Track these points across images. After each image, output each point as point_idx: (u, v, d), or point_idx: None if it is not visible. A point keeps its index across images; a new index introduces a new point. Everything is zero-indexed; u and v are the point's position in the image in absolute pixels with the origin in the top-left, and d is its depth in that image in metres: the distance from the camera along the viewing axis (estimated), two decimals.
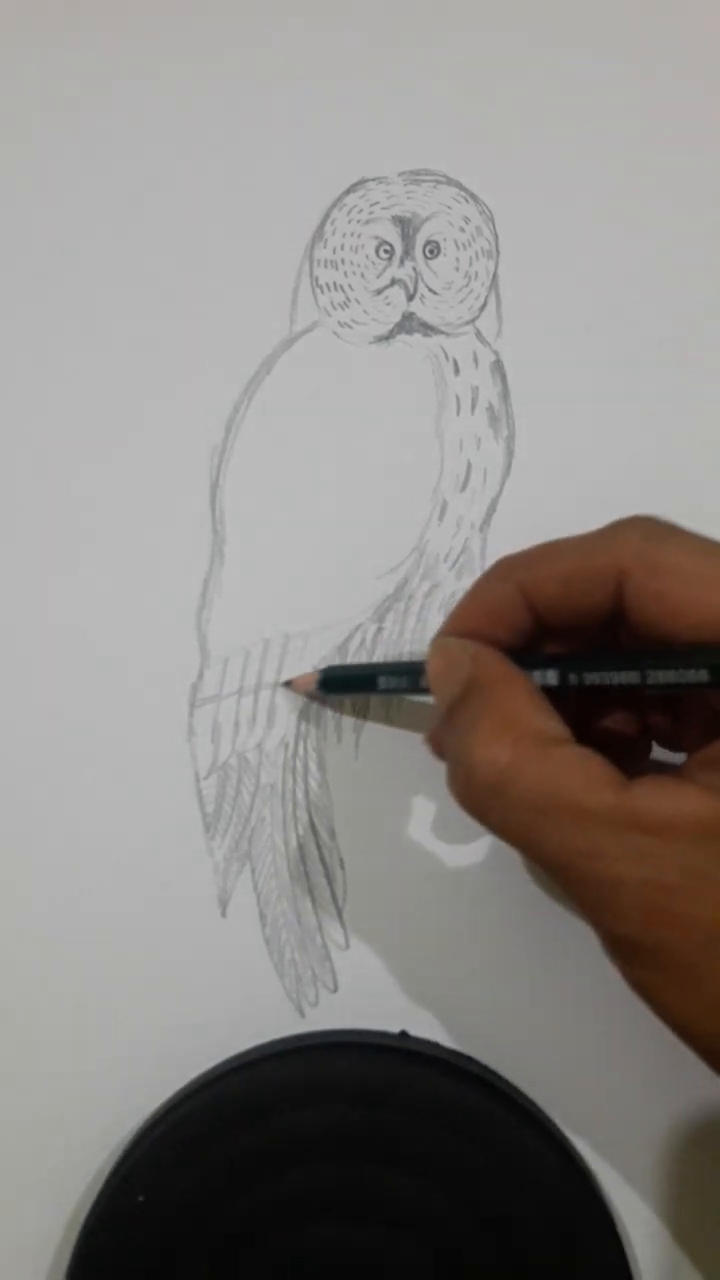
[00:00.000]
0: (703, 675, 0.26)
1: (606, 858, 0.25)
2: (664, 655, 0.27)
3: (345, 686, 0.35)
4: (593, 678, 0.28)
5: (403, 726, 0.36)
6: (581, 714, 0.32)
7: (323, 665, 0.36)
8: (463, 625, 0.30)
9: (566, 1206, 0.33)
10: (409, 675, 0.32)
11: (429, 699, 0.31)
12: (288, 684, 0.35)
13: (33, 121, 0.37)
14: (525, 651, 0.30)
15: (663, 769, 0.32)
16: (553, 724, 0.27)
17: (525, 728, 0.27)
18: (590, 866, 0.25)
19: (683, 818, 0.24)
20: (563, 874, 0.26)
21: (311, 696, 0.36)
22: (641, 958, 0.25)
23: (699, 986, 0.24)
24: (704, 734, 0.28)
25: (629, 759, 0.31)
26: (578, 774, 0.26)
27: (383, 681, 0.33)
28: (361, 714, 0.36)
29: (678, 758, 0.32)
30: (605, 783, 0.25)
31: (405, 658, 0.36)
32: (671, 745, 0.32)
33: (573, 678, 0.29)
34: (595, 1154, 0.34)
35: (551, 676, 0.29)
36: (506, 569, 0.30)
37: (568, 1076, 0.34)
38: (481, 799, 0.27)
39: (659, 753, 0.33)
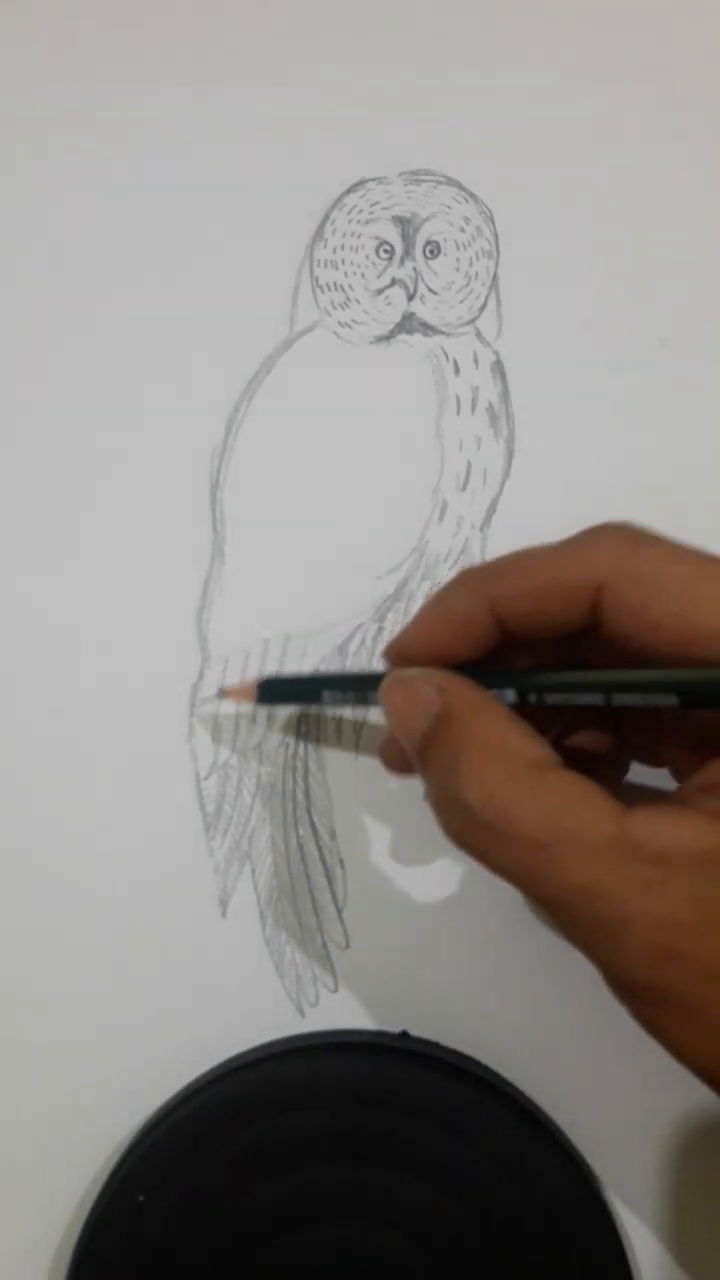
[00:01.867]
0: (671, 699, 0.25)
1: (611, 894, 0.23)
2: (631, 677, 0.26)
3: (285, 697, 0.33)
4: (555, 698, 0.27)
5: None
6: (550, 729, 0.30)
7: (322, 665, 0.36)
8: (423, 639, 0.29)
9: (566, 1206, 0.33)
10: (357, 690, 0.31)
11: (376, 711, 0.29)
12: (223, 693, 0.34)
13: (32, 122, 0.37)
14: (484, 670, 0.28)
15: (638, 789, 0.32)
16: (539, 748, 0.26)
17: (513, 757, 0.25)
18: (593, 905, 0.24)
19: (688, 847, 0.23)
20: (565, 913, 0.24)
21: (248, 703, 0.34)
22: (651, 997, 0.24)
23: (712, 1024, 0.23)
24: (688, 752, 0.27)
25: (607, 775, 0.30)
26: (576, 805, 0.24)
27: (327, 696, 0.31)
28: (362, 713, 0.36)
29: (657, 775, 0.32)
30: (605, 812, 0.24)
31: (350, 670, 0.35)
32: (651, 762, 0.31)
33: (533, 698, 0.27)
34: (595, 1154, 0.34)
35: (510, 696, 0.27)
36: (473, 581, 0.28)
37: (568, 1076, 0.34)
38: (478, 839, 0.25)
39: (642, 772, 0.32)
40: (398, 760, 0.32)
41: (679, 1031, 0.24)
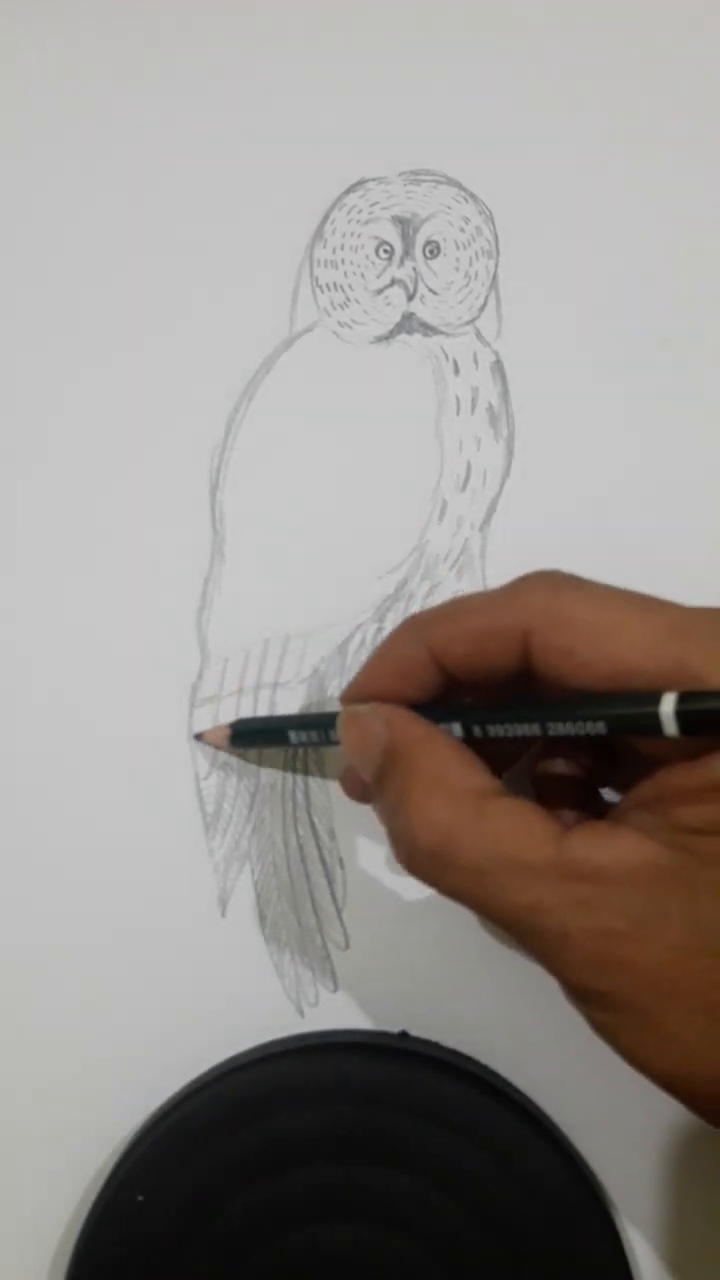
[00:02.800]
0: (600, 726, 0.26)
1: (552, 911, 0.25)
2: (563, 707, 0.27)
3: (256, 740, 0.35)
4: (496, 730, 0.28)
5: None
6: (507, 757, 0.32)
7: (322, 665, 0.36)
8: (371, 684, 0.30)
9: (566, 1206, 0.33)
10: (320, 729, 0.32)
11: (338, 749, 0.31)
12: (199, 737, 0.35)
13: (32, 122, 0.37)
14: (431, 707, 0.30)
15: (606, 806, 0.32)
16: (481, 778, 0.27)
17: (455, 787, 0.27)
18: (537, 920, 0.25)
19: (620, 864, 0.25)
20: (514, 930, 0.26)
21: (224, 750, 0.36)
22: (597, 1002, 0.25)
23: (652, 1028, 0.25)
24: (634, 774, 0.28)
25: (581, 799, 0.31)
26: (514, 830, 0.26)
27: (294, 736, 0.33)
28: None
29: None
30: (542, 836, 0.25)
31: (329, 697, 0.36)
32: (615, 786, 0.32)
33: (477, 730, 0.28)
34: (595, 1154, 0.34)
35: (456, 729, 0.29)
36: (414, 627, 0.30)
37: (568, 1076, 0.34)
38: (427, 868, 0.27)
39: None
40: (357, 789, 0.33)
41: (625, 1035, 0.25)
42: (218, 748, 0.35)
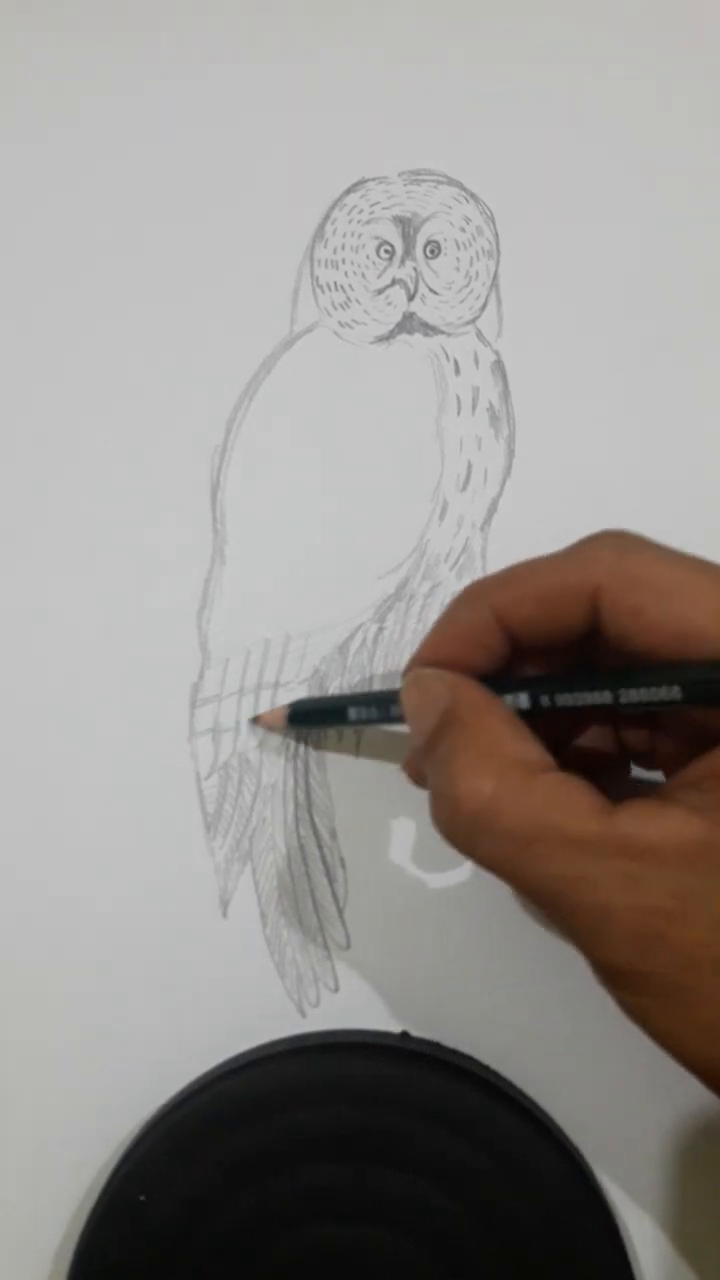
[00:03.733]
0: (675, 692, 0.26)
1: (595, 885, 0.25)
2: (636, 674, 0.27)
3: (314, 720, 0.35)
4: (565, 699, 0.28)
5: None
6: (561, 734, 0.31)
7: (322, 665, 0.36)
8: (436, 652, 0.30)
9: (566, 1206, 0.33)
10: (379, 705, 0.32)
11: (402, 728, 0.30)
12: (255, 720, 0.35)
13: (31, 122, 0.37)
14: (499, 676, 0.29)
15: (639, 787, 0.32)
16: (534, 751, 0.27)
17: (507, 757, 0.26)
18: (579, 895, 0.25)
19: (669, 841, 0.24)
20: (552, 903, 0.25)
21: (280, 732, 0.35)
22: (634, 984, 0.25)
23: (692, 1010, 0.24)
24: (682, 751, 0.28)
25: (610, 778, 0.31)
26: (562, 802, 0.25)
27: (353, 713, 0.32)
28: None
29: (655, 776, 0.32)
30: (590, 809, 0.25)
31: (376, 686, 0.36)
32: (647, 764, 0.32)
33: (545, 700, 0.28)
34: (595, 1154, 0.34)
35: (524, 700, 0.28)
36: (478, 593, 0.29)
37: (568, 1076, 0.34)
38: (467, 832, 0.26)
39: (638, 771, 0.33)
40: (420, 774, 0.32)
41: (661, 1017, 0.25)
42: (273, 730, 0.35)
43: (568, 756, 0.31)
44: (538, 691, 0.28)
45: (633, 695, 0.27)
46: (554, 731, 0.30)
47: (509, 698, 0.28)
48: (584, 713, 0.30)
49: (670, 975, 0.24)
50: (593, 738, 0.32)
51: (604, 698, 0.27)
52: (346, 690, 0.36)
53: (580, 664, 0.30)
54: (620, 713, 0.28)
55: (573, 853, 0.25)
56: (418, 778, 0.33)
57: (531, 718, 0.28)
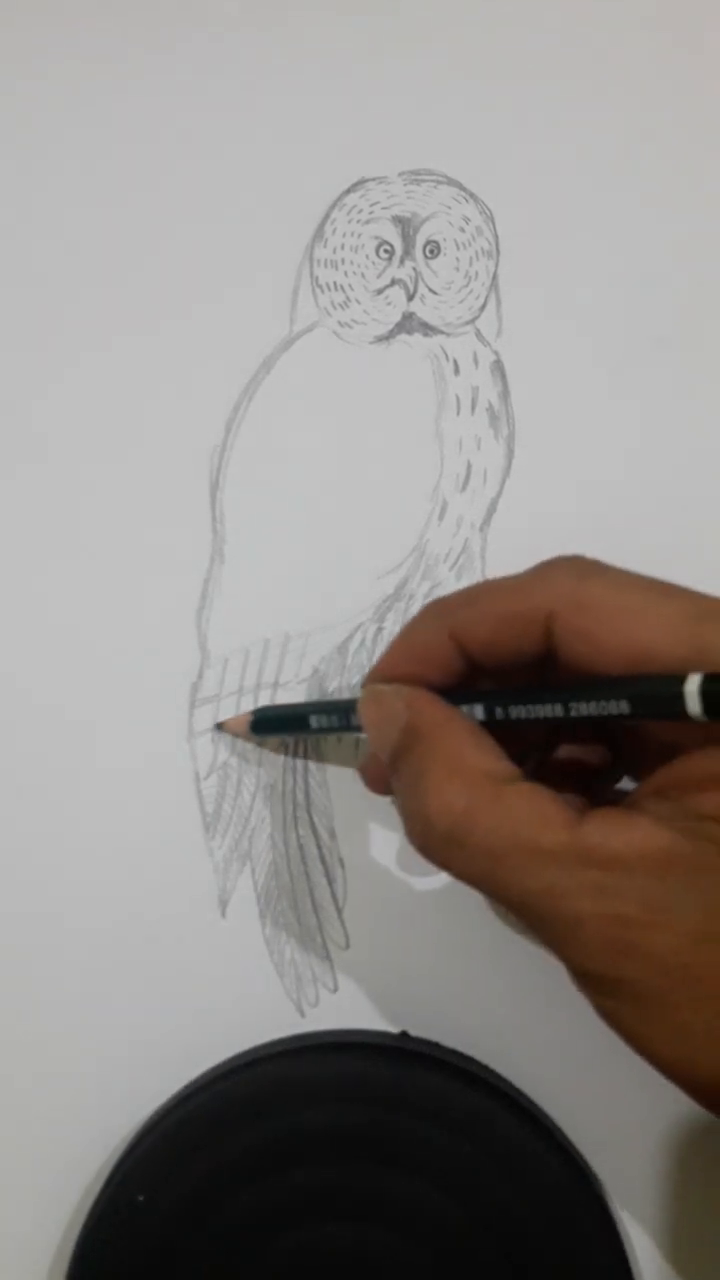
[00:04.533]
0: (624, 706, 0.26)
1: (566, 895, 0.25)
2: (586, 689, 0.27)
3: (277, 727, 0.35)
4: (518, 711, 0.28)
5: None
6: (550, 744, 0.32)
7: (321, 665, 0.36)
8: (394, 668, 0.30)
9: (566, 1206, 0.33)
10: (340, 714, 0.32)
11: (362, 735, 0.31)
12: (219, 726, 0.35)
13: (31, 120, 0.37)
14: (453, 691, 0.30)
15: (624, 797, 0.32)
16: (500, 763, 0.27)
17: (473, 771, 0.27)
18: (551, 905, 0.25)
19: (635, 851, 0.25)
20: (526, 914, 0.26)
21: (244, 738, 0.36)
22: (607, 989, 0.25)
23: (663, 1015, 0.25)
24: (652, 761, 0.28)
25: (598, 788, 0.31)
26: (531, 814, 0.26)
27: (314, 721, 0.33)
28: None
29: None
30: (559, 821, 0.25)
31: (333, 695, 0.36)
32: (634, 774, 0.32)
33: (499, 712, 0.28)
34: (595, 1154, 0.34)
35: (479, 711, 0.29)
36: (437, 611, 0.30)
37: (568, 1076, 0.34)
38: (441, 849, 0.27)
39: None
40: (378, 782, 0.33)
41: (634, 1022, 0.25)
42: (238, 736, 0.35)
43: (552, 766, 0.31)
44: (492, 704, 0.29)
45: (582, 709, 0.27)
46: (518, 745, 0.30)
47: (464, 709, 0.29)
48: (574, 727, 0.30)
49: (642, 981, 0.25)
50: (583, 749, 0.32)
51: (556, 710, 0.27)
52: (346, 690, 0.36)
53: (536, 682, 0.30)
54: (610, 725, 0.29)
55: (543, 864, 0.25)
56: (374, 783, 0.33)
57: (515, 730, 0.28)
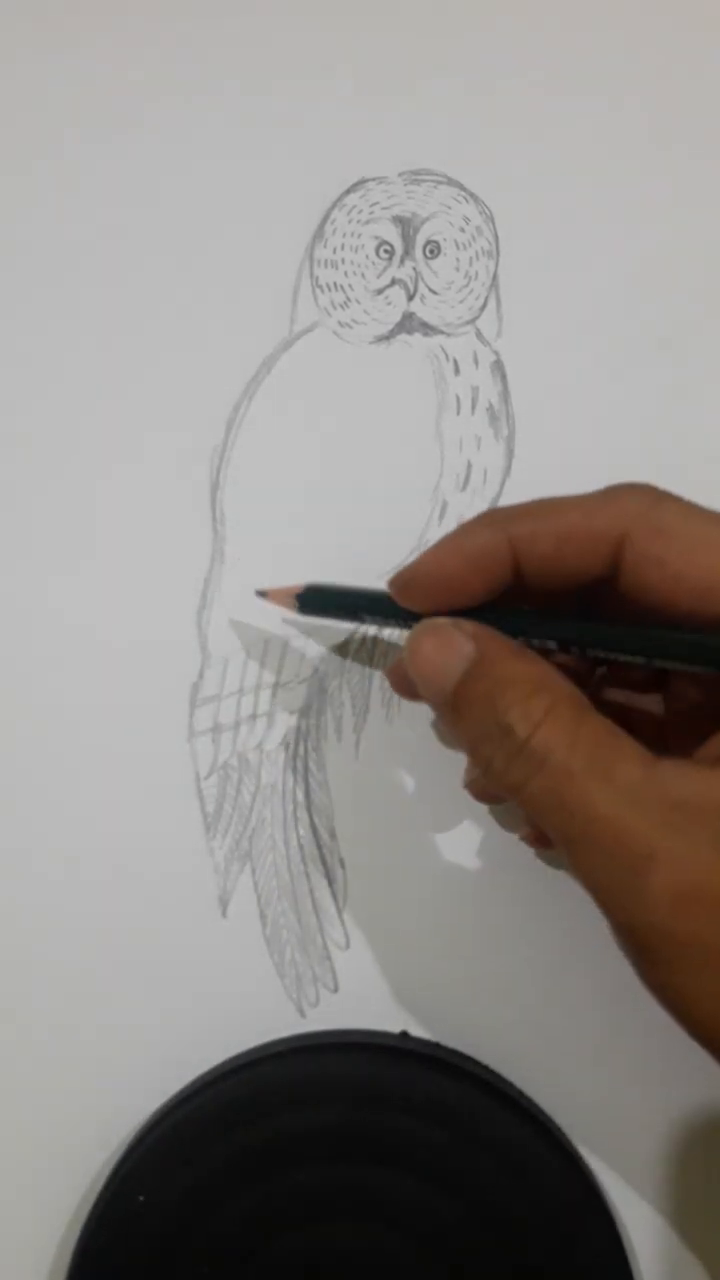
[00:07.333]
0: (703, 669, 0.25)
1: (638, 829, 0.24)
2: (677, 641, 0.26)
3: (324, 609, 0.33)
4: (596, 653, 0.27)
5: (403, 726, 0.36)
6: (599, 683, 0.31)
7: (321, 666, 0.36)
8: (440, 565, 0.29)
9: (566, 1206, 0.33)
10: (396, 616, 0.30)
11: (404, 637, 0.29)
12: (262, 593, 0.34)
13: (31, 122, 0.37)
14: (514, 611, 0.28)
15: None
16: (577, 690, 0.26)
17: (558, 691, 0.26)
18: (621, 840, 0.24)
19: (709, 798, 0.24)
20: (592, 846, 0.24)
21: (288, 607, 0.34)
22: (668, 946, 0.24)
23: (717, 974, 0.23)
24: (704, 723, 0.27)
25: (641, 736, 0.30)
26: (612, 743, 0.25)
27: (367, 617, 0.31)
28: (362, 714, 0.36)
29: None
30: (635, 755, 0.25)
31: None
32: (681, 731, 0.31)
33: (575, 651, 0.27)
34: (595, 1154, 0.34)
35: (552, 647, 0.28)
36: (497, 519, 0.28)
37: (568, 1076, 0.34)
38: (518, 768, 0.25)
39: None
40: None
41: (691, 986, 0.24)
42: (279, 605, 0.34)
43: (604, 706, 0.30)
44: (569, 641, 0.27)
45: (668, 663, 0.26)
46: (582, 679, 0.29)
47: (535, 642, 0.27)
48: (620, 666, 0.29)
49: (703, 935, 0.23)
50: (632, 696, 0.31)
51: (636, 658, 0.26)
52: (345, 690, 0.36)
53: (579, 609, 0.29)
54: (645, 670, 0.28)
55: (620, 794, 0.24)
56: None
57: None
